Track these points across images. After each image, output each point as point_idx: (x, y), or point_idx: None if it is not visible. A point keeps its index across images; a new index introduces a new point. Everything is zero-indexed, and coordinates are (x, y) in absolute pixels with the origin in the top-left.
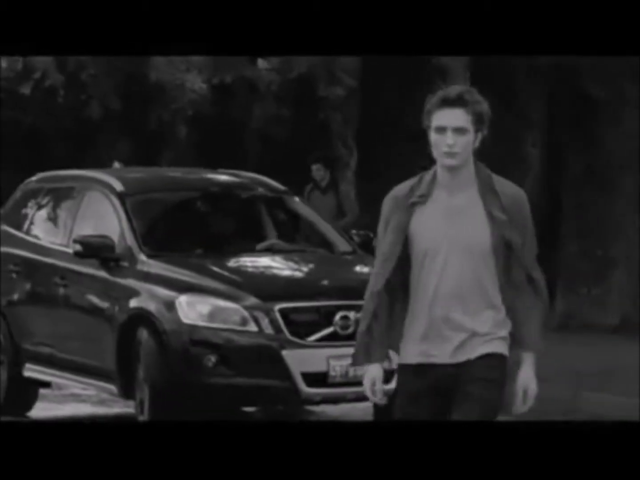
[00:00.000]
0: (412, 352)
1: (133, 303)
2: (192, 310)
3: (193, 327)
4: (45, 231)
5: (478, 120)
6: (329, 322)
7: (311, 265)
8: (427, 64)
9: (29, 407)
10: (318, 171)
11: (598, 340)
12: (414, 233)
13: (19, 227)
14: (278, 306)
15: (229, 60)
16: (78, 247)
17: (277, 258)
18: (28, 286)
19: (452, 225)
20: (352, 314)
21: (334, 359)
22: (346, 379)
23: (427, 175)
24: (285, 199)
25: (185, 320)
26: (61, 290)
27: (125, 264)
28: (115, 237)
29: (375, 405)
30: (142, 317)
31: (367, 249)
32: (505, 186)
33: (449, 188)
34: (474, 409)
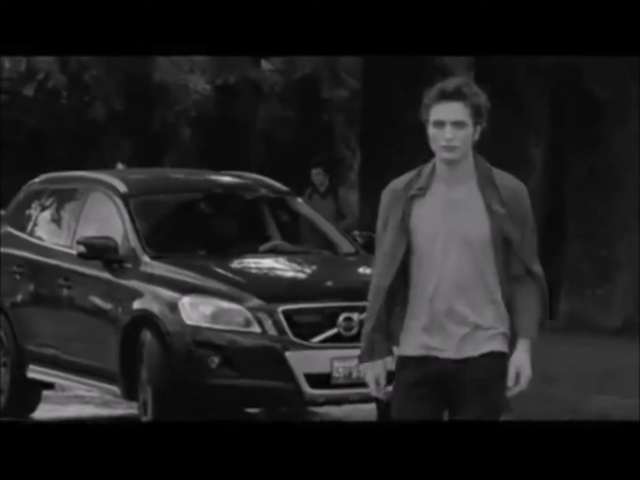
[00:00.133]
0: (413, 344)
1: (136, 304)
2: (196, 311)
3: (196, 329)
4: (49, 232)
5: (477, 113)
6: (333, 324)
7: (314, 267)
8: (429, 65)
9: (33, 408)
10: (318, 175)
11: (602, 341)
12: (413, 226)
13: (22, 229)
14: (281, 307)
15: (232, 61)
16: (81, 249)
17: (281, 259)
18: (31, 287)
19: (451, 219)
20: (355, 315)
21: (338, 360)
22: (349, 381)
23: (426, 169)
24: (289, 200)
25: (189, 322)
26: (64, 292)
27: (129, 265)
28: (118, 239)
29: (379, 407)
30: (145, 319)
31: (370, 250)
32: (505, 179)
33: (448, 181)
34: (476, 413)
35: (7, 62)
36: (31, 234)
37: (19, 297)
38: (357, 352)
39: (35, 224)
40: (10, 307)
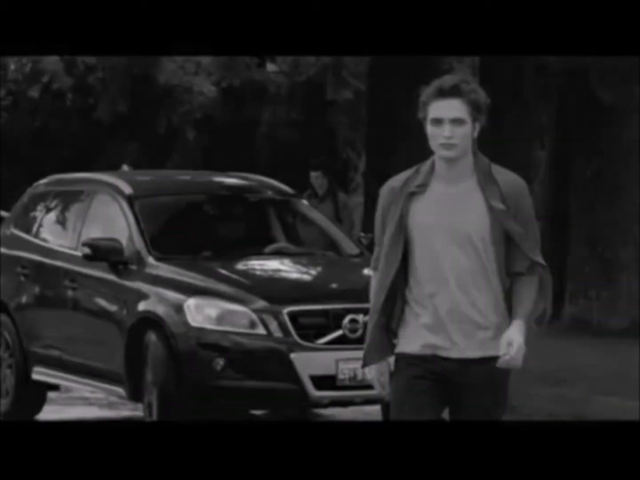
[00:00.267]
0: (417, 343)
1: (141, 306)
2: (201, 313)
3: (201, 330)
4: (54, 234)
5: (475, 110)
6: (338, 325)
7: (319, 269)
8: (435, 67)
9: (38, 410)
10: (317, 179)
11: (606, 343)
12: (412, 223)
13: (27, 230)
14: (286, 309)
15: (237, 63)
16: (87, 250)
17: (286, 261)
18: (37, 289)
19: (451, 216)
20: (360, 317)
21: (343, 362)
22: (355, 382)
23: (425, 166)
24: (294, 202)
25: (194, 324)
26: (70, 293)
27: (134, 267)
28: (124, 240)
29: (384, 408)
30: (150, 320)
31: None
32: (504, 175)
33: (447, 179)
34: (477, 414)
35: (12, 64)
36: (36, 235)
37: (24, 299)
38: (362, 354)
39: (40, 226)
40: (16, 309)
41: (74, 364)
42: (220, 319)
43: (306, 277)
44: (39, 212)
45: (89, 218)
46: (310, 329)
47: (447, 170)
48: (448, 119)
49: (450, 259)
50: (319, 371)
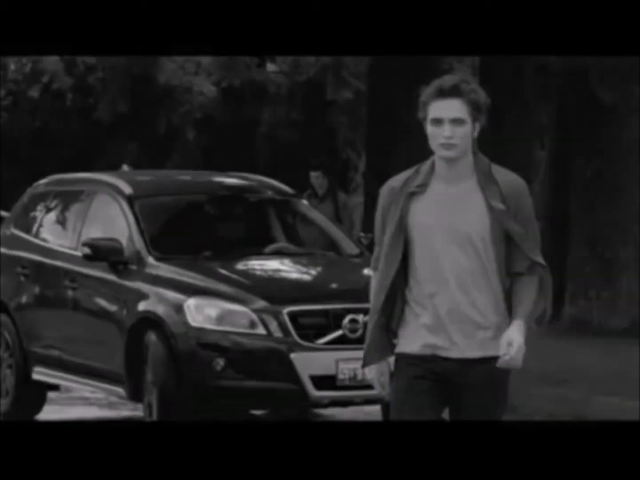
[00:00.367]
0: (415, 342)
1: (141, 306)
2: (201, 313)
3: (201, 331)
4: (54, 234)
5: (475, 109)
6: (338, 325)
7: (319, 268)
8: (435, 67)
9: (38, 410)
10: (317, 179)
11: (606, 343)
12: (412, 223)
13: (27, 230)
14: (286, 309)
15: (237, 63)
16: (87, 250)
17: (286, 261)
18: (37, 289)
19: (451, 216)
20: (360, 317)
21: (343, 362)
22: (355, 382)
23: (424, 166)
24: (294, 202)
25: (194, 324)
26: (70, 293)
27: (134, 267)
28: (124, 240)
29: (384, 408)
30: (150, 320)
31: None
32: (504, 175)
33: (447, 179)
34: (477, 414)
35: (12, 64)
36: (36, 235)
37: (24, 299)
38: (362, 354)
39: (40, 226)
40: (16, 309)
41: (74, 364)
42: (220, 319)
43: (306, 277)
44: (39, 212)
45: (89, 218)
46: (310, 329)
47: (447, 170)
48: (448, 119)
49: (450, 259)
50: (319, 371)
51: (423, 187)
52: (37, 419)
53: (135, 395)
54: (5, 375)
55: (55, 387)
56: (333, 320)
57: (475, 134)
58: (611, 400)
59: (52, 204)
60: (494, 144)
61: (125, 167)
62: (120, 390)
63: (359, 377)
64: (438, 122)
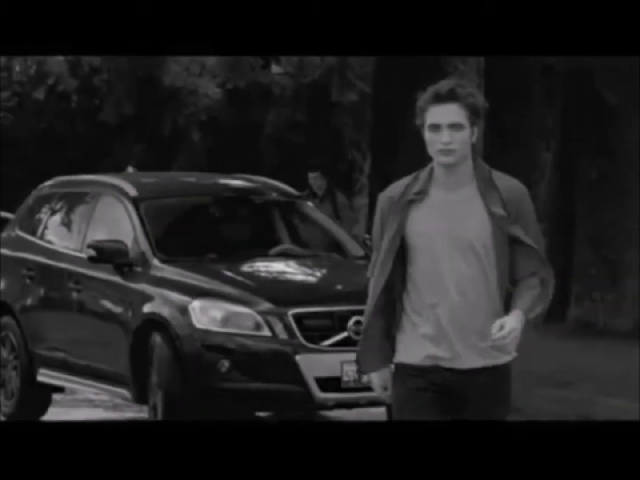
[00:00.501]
0: (416, 353)
1: (146, 308)
2: (206, 315)
3: (206, 332)
4: (59, 236)
5: (473, 114)
6: (343, 327)
7: (324, 270)
8: (440, 69)
9: (43, 412)
10: (315, 180)
11: (611, 345)
12: (412, 231)
13: (33, 232)
14: (292, 311)
15: (242, 65)
16: (92, 252)
17: (291, 263)
18: (42, 291)
19: (452, 224)
20: None
21: (348, 364)
22: (359, 384)
23: (423, 173)
24: (299, 204)
25: (199, 326)
26: (75, 295)
27: (139, 269)
28: (129, 242)
29: (389, 410)
30: (155, 322)
31: None
32: (505, 181)
33: (446, 185)
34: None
35: (17, 66)
36: (42, 237)
37: (29, 301)
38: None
39: (45, 228)
40: (21, 311)
41: (79, 366)
42: (225, 320)
43: (311, 279)
44: (44, 214)
45: (94, 220)
46: (315, 331)
47: (447, 177)
48: (446, 124)
49: (451, 267)
50: (324, 373)
51: (422, 194)
52: (41, 420)
53: (140, 397)
54: (10, 377)
55: (60, 389)
56: (338, 322)
57: (474, 139)
58: (616, 402)
59: (57, 206)
60: (499, 145)
61: (130, 169)
62: (125, 392)
63: (364, 378)
64: (436, 127)
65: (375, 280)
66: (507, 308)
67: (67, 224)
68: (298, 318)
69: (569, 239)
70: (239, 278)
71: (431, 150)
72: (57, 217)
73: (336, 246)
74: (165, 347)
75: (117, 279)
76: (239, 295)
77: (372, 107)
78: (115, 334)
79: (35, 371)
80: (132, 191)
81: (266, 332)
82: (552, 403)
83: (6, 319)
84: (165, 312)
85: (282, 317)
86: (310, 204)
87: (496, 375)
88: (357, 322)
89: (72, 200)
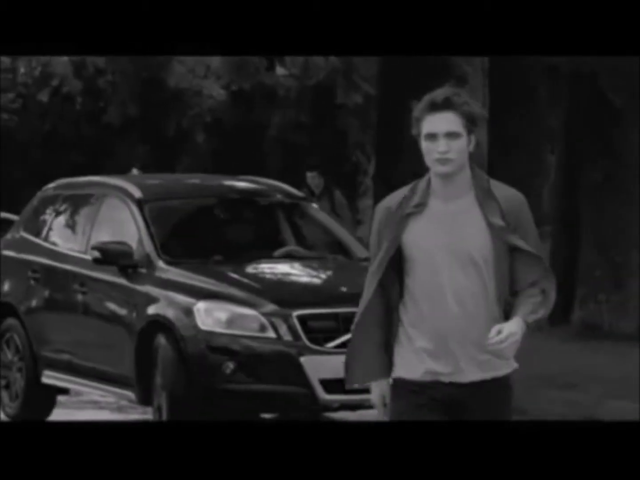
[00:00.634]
0: (415, 368)
1: (151, 310)
2: (210, 316)
3: (211, 334)
4: (64, 238)
5: (470, 122)
6: (347, 329)
7: (329, 272)
8: (446, 71)
9: (47, 413)
10: (313, 179)
11: (616, 347)
12: (410, 243)
13: (37, 234)
14: (296, 313)
15: (247, 66)
16: (96, 254)
17: (295, 264)
18: (46, 293)
19: (451, 235)
20: None
21: None
22: (364, 386)
23: (421, 184)
24: (303, 206)
25: (203, 327)
26: (79, 297)
27: (144, 270)
28: (133, 244)
29: None
30: (160, 324)
31: None
32: (503, 190)
33: (444, 196)
34: None
35: (22, 67)
36: (46, 239)
37: (34, 303)
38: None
39: (50, 230)
40: (26, 313)
41: (84, 367)
42: (230, 322)
43: (316, 281)
44: (48, 216)
45: (99, 222)
46: (320, 333)
47: (444, 187)
48: (442, 133)
49: (450, 279)
50: (329, 375)
51: (421, 206)
52: (47, 421)
53: (145, 398)
54: (15, 378)
55: (65, 391)
56: (343, 323)
57: (472, 148)
58: (621, 404)
59: (62, 208)
60: (503, 148)
61: (135, 171)
62: (130, 393)
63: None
64: (432, 137)
65: (365, 289)
66: (507, 319)
67: (71, 225)
68: (303, 320)
69: (573, 240)
70: (244, 280)
71: (428, 160)
72: (62, 219)
73: (341, 248)
74: (169, 348)
75: (121, 280)
76: (243, 296)
77: (377, 109)
78: (120, 335)
79: (40, 373)
80: (137, 193)
81: (271, 333)
82: (558, 405)
83: (11, 321)
84: (170, 313)
85: (286, 319)
86: (315, 205)
87: (497, 388)
88: None
89: (77, 202)
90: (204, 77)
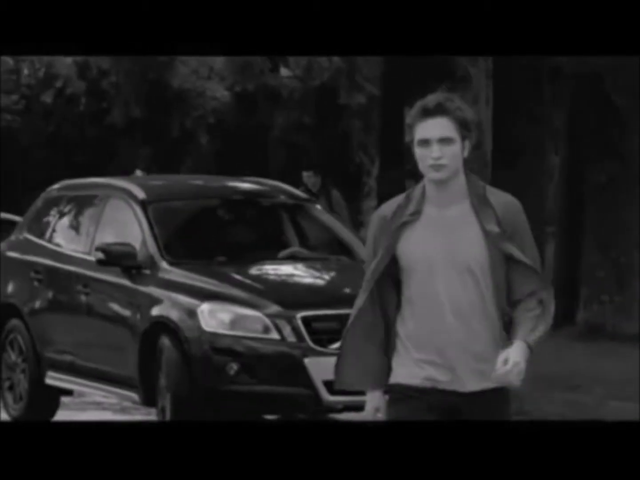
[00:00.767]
0: (414, 374)
1: (155, 311)
2: (214, 318)
3: (215, 335)
4: (68, 239)
5: (463, 127)
6: None
7: (333, 273)
8: (449, 72)
9: (51, 414)
10: (309, 178)
11: (620, 348)
12: (406, 252)
13: (41, 235)
14: (300, 314)
15: (251, 67)
16: (100, 255)
17: (299, 266)
18: (50, 294)
19: (447, 244)
20: None
21: None
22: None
23: (416, 191)
24: (307, 207)
25: (207, 328)
26: (83, 298)
27: (147, 271)
28: (137, 245)
29: None
30: (164, 325)
31: None
32: (499, 197)
33: (439, 203)
34: None
35: (25, 69)
36: (50, 240)
37: (37, 304)
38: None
39: (53, 231)
40: (29, 314)
41: (87, 368)
42: (233, 323)
43: (320, 282)
44: (52, 217)
45: (102, 223)
46: (324, 334)
47: (438, 194)
48: (435, 139)
49: (447, 288)
50: (333, 376)
51: (416, 215)
52: (51, 421)
53: (149, 399)
54: (18, 379)
55: (68, 392)
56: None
57: (466, 154)
58: (625, 405)
59: (66, 209)
60: (507, 149)
61: (138, 172)
62: (133, 395)
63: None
64: (425, 143)
65: (358, 297)
66: (506, 331)
67: (75, 226)
68: (306, 321)
69: (577, 241)
70: (248, 281)
71: (422, 166)
72: (66, 220)
73: (344, 249)
74: (173, 349)
75: (125, 281)
76: (247, 298)
77: (381, 110)
78: (124, 336)
79: (43, 374)
80: (141, 194)
81: (274, 335)
82: (561, 406)
83: (14, 322)
84: (174, 315)
85: (290, 320)
86: (318, 206)
87: (496, 398)
88: None
89: (81, 203)
90: (207, 78)
